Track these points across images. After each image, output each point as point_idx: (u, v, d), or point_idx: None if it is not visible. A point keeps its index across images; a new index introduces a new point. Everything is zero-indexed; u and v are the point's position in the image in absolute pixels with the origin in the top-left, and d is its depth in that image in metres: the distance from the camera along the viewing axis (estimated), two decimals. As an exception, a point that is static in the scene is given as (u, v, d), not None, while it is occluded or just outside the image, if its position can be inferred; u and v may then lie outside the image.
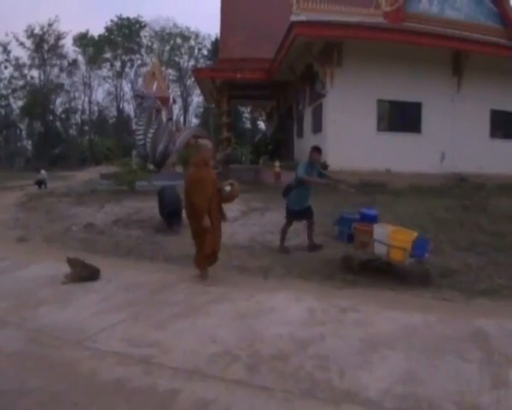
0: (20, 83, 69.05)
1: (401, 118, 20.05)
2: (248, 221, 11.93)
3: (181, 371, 4.38)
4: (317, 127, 21.00)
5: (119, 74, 74.20)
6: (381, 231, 7.47)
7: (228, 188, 7.64)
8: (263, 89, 28.08)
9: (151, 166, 22.71)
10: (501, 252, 8.99)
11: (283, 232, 9.31)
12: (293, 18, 17.94)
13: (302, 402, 3.95)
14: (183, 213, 8.63)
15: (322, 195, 12.75)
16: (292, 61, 22.24)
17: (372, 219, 7.83)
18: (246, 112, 64.15)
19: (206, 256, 7.38)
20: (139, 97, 24.17)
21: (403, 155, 18.35)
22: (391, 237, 7.26)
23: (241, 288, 6.95)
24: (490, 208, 12.70)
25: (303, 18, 17.87)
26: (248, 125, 71.11)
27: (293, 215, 9.26)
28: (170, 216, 11.29)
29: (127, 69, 74.73)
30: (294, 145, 26.85)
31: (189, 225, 7.76)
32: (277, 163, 20.03)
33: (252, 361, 4.57)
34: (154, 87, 28.39)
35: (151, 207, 13.14)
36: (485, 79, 20.17)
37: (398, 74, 19.13)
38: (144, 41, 75.24)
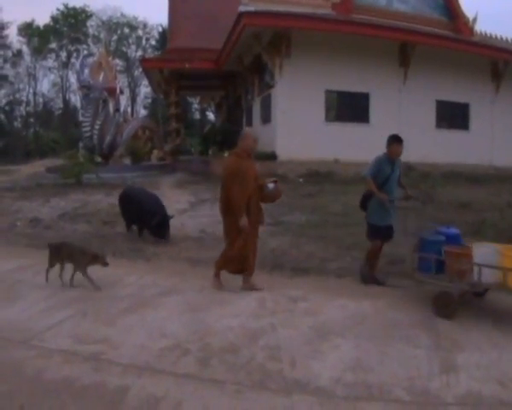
0: (-39, 74, 66.80)
1: (349, 108, 20.29)
2: (198, 212, 11.84)
3: (131, 367, 4.30)
4: (266, 118, 21.05)
5: (65, 65, 72.43)
6: (485, 251, 5.77)
7: (271, 185, 6.73)
8: (212, 79, 27.96)
9: (98, 159, 22.33)
10: (447, 239, 9.19)
11: (372, 256, 7.06)
12: (242, 8, 17.85)
13: (254, 394, 3.93)
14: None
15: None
16: (241, 52, 22.18)
17: (453, 240, 6.39)
18: (195, 102, 63.71)
19: (228, 259, 6.61)
20: (85, 88, 23.69)
21: (351, 145, 18.52)
22: (505, 257, 5.53)
23: (192, 280, 6.91)
24: (436, 196, 12.97)
25: (252, 8, 17.81)
26: (198, 115, 70.72)
27: (377, 232, 6.95)
28: (160, 226, 9.40)
29: (73, 60, 73.02)
30: (243, 136, 26.81)
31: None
32: (226, 154, 19.94)
33: (202, 354, 4.53)
34: (101, 78, 27.87)
35: (98, 201, 12.94)
36: (431, 70, 20.62)
37: (346, 65, 19.32)
38: (91, 31, 73.76)
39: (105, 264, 6.61)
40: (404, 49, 20.47)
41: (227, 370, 4.27)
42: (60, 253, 6.74)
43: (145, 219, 9.36)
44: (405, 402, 3.92)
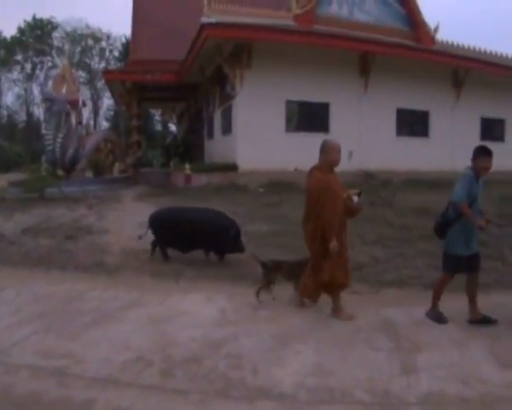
0: None
1: (309, 118, 20.48)
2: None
3: (95, 380, 4.31)
4: (227, 129, 21.13)
5: (30, 77, 71.45)
6: None
7: (356, 198, 6.17)
8: (174, 91, 27.91)
9: (61, 172, 22.08)
10: (407, 244, 9.42)
11: (441, 290, 6.05)
12: (204, 19, 17.91)
13: (217, 402, 3.99)
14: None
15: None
16: (202, 63, 22.22)
17: None
18: (157, 114, 63.37)
19: (320, 284, 5.98)
20: (48, 101, 23.43)
21: (311, 155, 18.28)
22: None
23: (154, 292, 6.89)
24: (396, 203, 13.19)
25: (213, 20, 17.88)
26: (159, 127, 70.33)
27: (458, 264, 5.83)
28: (237, 238, 8.46)
29: (38, 72, 72.10)
30: (205, 147, 26.91)
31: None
32: (187, 166, 19.94)
33: (165, 366, 4.56)
34: (64, 90, 27.58)
35: (61, 215, 12.80)
36: (392, 79, 21.03)
37: (307, 75, 19.52)
38: (55, 42, 72.89)
39: None
40: (365, 59, 20.82)
41: (190, 380, 4.31)
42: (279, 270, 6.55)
43: (217, 238, 8.38)
44: (367, 404, 4.02)
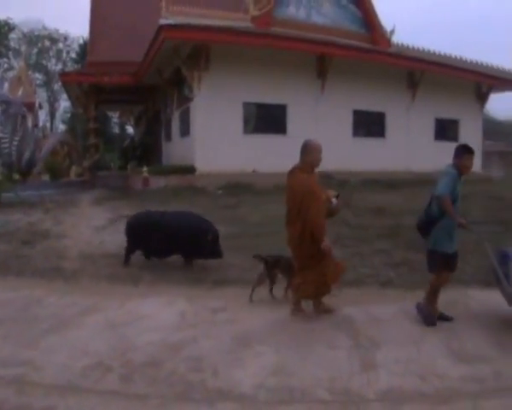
0: None
1: (267, 120, 20.55)
2: (117, 229, 11.56)
3: (55, 387, 4.27)
4: (185, 131, 21.05)
5: (-15, 79, 69.80)
6: None
7: (334, 200, 6.18)
8: (131, 93, 27.59)
9: (17, 176, 21.68)
10: (364, 243, 9.56)
11: (437, 290, 5.98)
12: (162, 21, 17.79)
13: (177, 405, 4.01)
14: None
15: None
16: (160, 65, 22.07)
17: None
18: (114, 117, 62.57)
19: (323, 282, 5.94)
20: (4, 103, 23.03)
21: (269, 156, 18.79)
22: None
23: (112, 297, 6.83)
24: (353, 203, 13.35)
25: (171, 21, 17.78)
26: (117, 130, 69.41)
27: (446, 261, 5.80)
28: (215, 243, 8.14)
29: (-6, 74, 70.36)
30: (163, 149, 26.75)
31: None
32: (145, 168, 19.78)
33: (125, 370, 4.55)
34: (20, 92, 27.08)
35: (17, 220, 12.55)
36: (349, 80, 21.27)
37: (265, 77, 19.58)
38: (12, 44, 71.23)
39: None
40: (322, 60, 20.97)
41: (150, 384, 4.31)
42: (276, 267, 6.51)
43: (196, 242, 8.01)
44: (327, 402, 4.08)
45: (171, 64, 21.20)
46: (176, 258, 8.42)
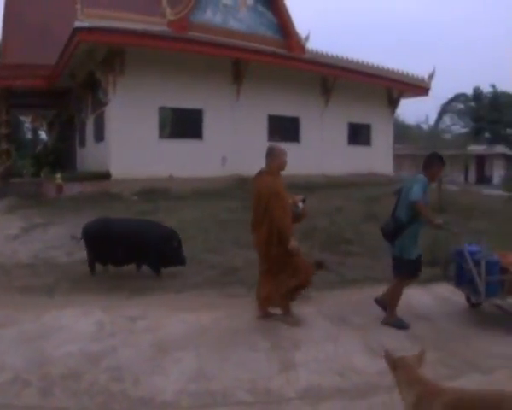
0: None
1: (183, 124, 20.42)
2: (30, 238, 11.20)
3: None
4: (100, 136, 20.58)
5: None
6: None
7: (301, 205, 6.26)
8: (45, 97, 26.75)
9: None
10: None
11: (399, 296, 6.14)
12: (77, 24, 17.32)
13: (98, 416, 3.94)
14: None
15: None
16: (75, 68, 21.48)
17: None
18: (27, 122, 60.43)
19: (291, 288, 5.96)
20: None
21: (185, 161, 18.78)
22: None
23: (27, 309, 6.55)
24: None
25: (86, 24, 17.36)
26: (29, 135, 67.05)
27: (414, 267, 6.11)
28: (179, 250, 7.99)
29: None
30: (77, 155, 26.09)
31: None
32: (59, 175, 19.19)
33: (44, 384, 4.43)
34: None
35: None
36: (264, 86, 21.52)
37: (181, 82, 19.47)
38: None
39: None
40: (238, 66, 21.10)
41: (70, 396, 4.24)
42: None
43: (159, 249, 7.81)
44: (249, 403, 4.18)
45: (85, 67, 20.71)
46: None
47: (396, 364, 3.25)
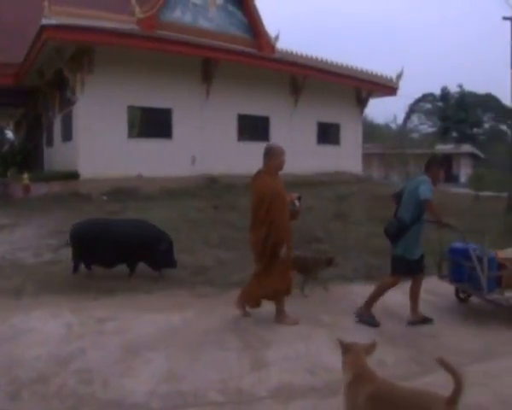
0: None
1: (152, 124, 20.31)
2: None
3: None
4: (68, 135, 20.35)
5: None
6: None
7: (297, 203, 6.29)
8: (11, 95, 26.35)
9: None
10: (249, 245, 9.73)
11: (383, 292, 6.41)
12: (44, 21, 17.08)
13: (68, 420, 3.90)
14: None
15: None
16: (42, 66, 21.22)
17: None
18: (-8, 121, 59.36)
19: (267, 292, 6.01)
20: None
21: (154, 161, 18.76)
22: None
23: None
24: (239, 206, 13.57)
25: (54, 21, 17.12)
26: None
27: (412, 267, 6.27)
28: (170, 252, 7.92)
29: None
30: (44, 155, 25.76)
31: None
32: (26, 175, 18.93)
33: (12, 388, 4.37)
34: None
35: None
36: (234, 85, 21.58)
37: (150, 81, 19.38)
38: None
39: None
40: (207, 65, 21.07)
41: (39, 400, 4.19)
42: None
43: (149, 251, 7.74)
44: (220, 404, 4.19)
45: (53, 66, 20.43)
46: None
47: (346, 348, 3.45)
